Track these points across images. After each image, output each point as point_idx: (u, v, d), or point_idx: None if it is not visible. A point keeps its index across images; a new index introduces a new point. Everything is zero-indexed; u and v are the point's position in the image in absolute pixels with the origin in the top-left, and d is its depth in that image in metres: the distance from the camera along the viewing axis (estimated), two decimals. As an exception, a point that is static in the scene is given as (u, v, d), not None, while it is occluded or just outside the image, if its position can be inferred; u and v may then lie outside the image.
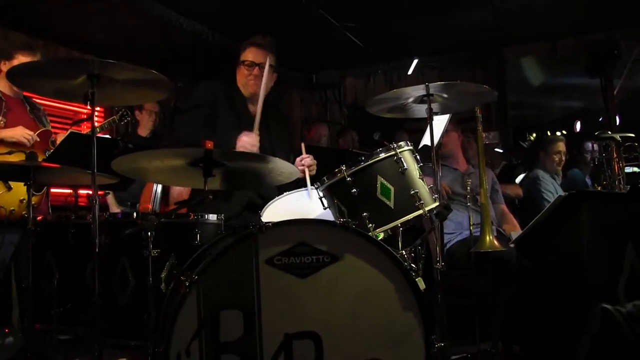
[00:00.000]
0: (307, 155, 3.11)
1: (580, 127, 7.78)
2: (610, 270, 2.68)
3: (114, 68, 2.24)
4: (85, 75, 2.25)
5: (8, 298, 3.77)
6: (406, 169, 2.45)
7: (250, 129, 3.06)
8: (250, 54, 3.21)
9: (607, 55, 5.82)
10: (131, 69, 2.27)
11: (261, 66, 3.15)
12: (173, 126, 4.33)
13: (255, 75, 3.18)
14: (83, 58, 4.32)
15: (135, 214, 2.77)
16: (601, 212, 2.79)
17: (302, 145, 3.19)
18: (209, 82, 3.44)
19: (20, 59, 3.47)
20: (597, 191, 3.45)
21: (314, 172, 3.05)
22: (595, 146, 5.66)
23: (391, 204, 2.40)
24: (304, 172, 3.00)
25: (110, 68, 2.24)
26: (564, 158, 5.06)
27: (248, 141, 2.92)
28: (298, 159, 3.11)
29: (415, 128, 5.02)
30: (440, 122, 3.38)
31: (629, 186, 3.43)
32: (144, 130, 4.83)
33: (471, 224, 3.30)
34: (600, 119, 6.94)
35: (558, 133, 7.38)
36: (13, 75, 2.41)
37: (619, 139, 3.46)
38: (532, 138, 8.16)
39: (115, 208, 4.50)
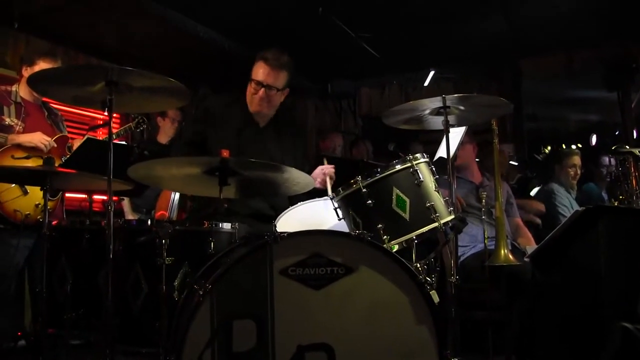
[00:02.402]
0: (330, 165, 3.09)
1: (596, 140, 7.73)
2: (628, 287, 2.64)
3: (132, 75, 2.26)
4: (103, 82, 2.27)
5: (21, 302, 3.79)
6: (422, 180, 2.43)
7: (254, 141, 3.08)
8: (260, 72, 3.09)
9: (624, 69, 5.78)
10: (149, 77, 2.28)
11: (268, 88, 3.09)
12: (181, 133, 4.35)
13: (261, 97, 3.11)
14: (102, 65, 4.37)
15: (149, 222, 2.77)
16: (619, 228, 2.76)
17: (325, 159, 3.16)
18: (215, 94, 3.43)
19: (42, 65, 3.49)
20: (614, 206, 3.41)
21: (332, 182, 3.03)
22: (612, 160, 5.61)
23: (406, 216, 2.39)
24: (325, 181, 2.98)
25: (128, 75, 2.25)
26: (579, 172, 5.02)
27: None
28: (319, 168, 3.08)
29: (430, 139, 5.00)
30: (456, 134, 3.36)
31: (646, 202, 3.39)
32: (164, 137, 4.79)
33: (486, 237, 3.27)
34: (616, 133, 6.88)
35: (573, 146, 7.32)
36: (33, 82, 2.43)
37: (638, 153, 3.42)
38: (547, 151, 8.11)
39: (130, 215, 4.50)
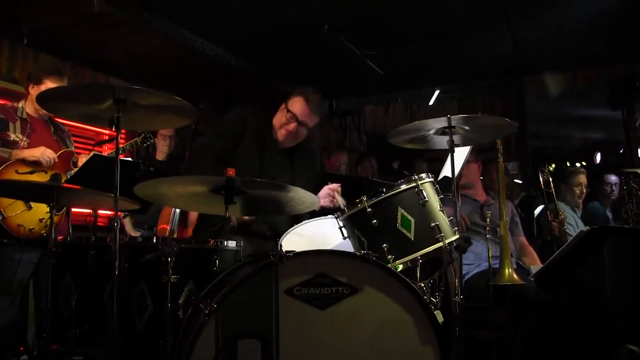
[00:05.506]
0: (336, 184, 3.09)
1: (601, 158, 7.72)
2: (633, 308, 2.63)
3: (139, 93, 2.28)
4: (111, 100, 2.29)
5: (24, 316, 3.78)
6: (427, 200, 2.44)
7: (271, 164, 3.10)
8: (297, 106, 3.17)
9: (628, 87, 5.80)
10: (155, 95, 2.30)
11: (300, 124, 3.16)
12: (192, 150, 4.35)
13: (289, 130, 3.17)
14: (110, 84, 4.41)
15: (155, 239, 2.77)
16: (624, 248, 2.76)
17: (329, 180, 3.17)
18: (242, 107, 3.42)
19: (48, 84, 3.52)
20: (619, 226, 3.41)
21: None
22: (615, 179, 5.60)
23: (411, 235, 2.39)
24: (334, 198, 2.98)
25: (135, 93, 2.27)
26: (584, 191, 5.00)
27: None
28: (326, 187, 3.08)
29: (434, 157, 5.01)
30: (461, 153, 3.37)
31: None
32: (160, 155, 4.85)
33: (490, 255, 3.27)
34: (621, 151, 6.88)
35: (578, 164, 7.30)
36: (42, 100, 2.46)
37: (646, 172, 3.43)
38: (551, 169, 8.08)
39: (131, 232, 4.50)
